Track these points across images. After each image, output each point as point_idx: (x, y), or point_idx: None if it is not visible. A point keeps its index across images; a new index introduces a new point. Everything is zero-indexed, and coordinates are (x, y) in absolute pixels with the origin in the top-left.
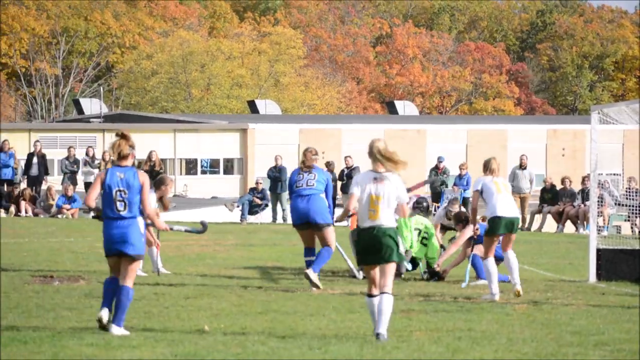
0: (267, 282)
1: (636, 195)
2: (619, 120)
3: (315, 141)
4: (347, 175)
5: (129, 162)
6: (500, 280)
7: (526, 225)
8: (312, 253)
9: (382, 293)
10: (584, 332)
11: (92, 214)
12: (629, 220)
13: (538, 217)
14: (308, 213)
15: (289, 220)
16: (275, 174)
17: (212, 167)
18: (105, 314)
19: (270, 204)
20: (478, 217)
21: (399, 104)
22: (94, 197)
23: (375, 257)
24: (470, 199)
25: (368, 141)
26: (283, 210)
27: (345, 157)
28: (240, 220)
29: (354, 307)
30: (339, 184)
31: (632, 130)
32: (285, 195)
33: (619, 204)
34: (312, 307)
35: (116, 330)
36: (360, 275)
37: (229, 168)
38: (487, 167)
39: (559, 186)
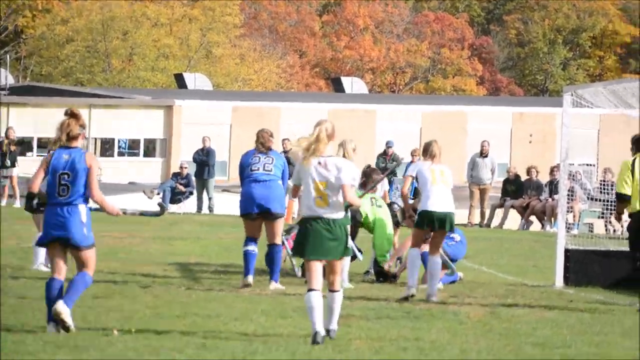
0: (188, 281)
1: (612, 189)
2: (595, 103)
3: (251, 121)
4: (287, 160)
5: (78, 143)
6: (451, 282)
7: (485, 221)
8: (254, 242)
9: (331, 291)
10: (548, 344)
11: (35, 201)
12: (602, 218)
13: (499, 212)
14: (267, 201)
15: (216, 211)
16: (202, 158)
17: (131, 148)
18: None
19: (195, 192)
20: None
21: (346, 81)
22: (39, 182)
23: (321, 251)
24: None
25: (310, 122)
26: (210, 198)
27: (283, 140)
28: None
29: (286, 311)
30: None
31: (609, 115)
32: (213, 182)
33: (592, 199)
34: (238, 310)
35: (62, 306)
36: (299, 272)
37: (150, 150)
38: (426, 152)
39: (524, 177)
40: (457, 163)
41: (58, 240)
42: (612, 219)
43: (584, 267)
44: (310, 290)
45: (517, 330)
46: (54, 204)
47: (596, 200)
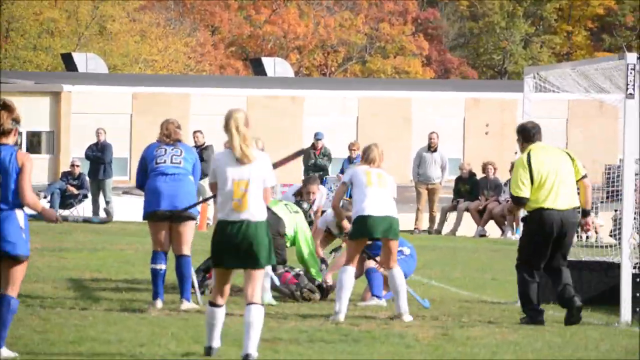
0: (84, 301)
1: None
2: (562, 87)
3: (155, 110)
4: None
5: (10, 139)
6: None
7: (435, 227)
8: (163, 257)
9: (250, 304)
10: None
11: None
12: None
13: (452, 216)
14: (175, 198)
15: (115, 217)
16: (96, 154)
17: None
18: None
19: (90, 195)
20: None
21: (267, 62)
22: None
23: (238, 260)
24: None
25: (223, 110)
26: (107, 202)
27: (194, 132)
28: None
29: (200, 335)
30: None
31: (579, 101)
32: (110, 182)
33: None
34: (144, 334)
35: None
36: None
37: (34, 145)
38: (365, 156)
39: (479, 175)
40: (400, 159)
41: None
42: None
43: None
44: (212, 304)
45: (474, 355)
46: None
47: None
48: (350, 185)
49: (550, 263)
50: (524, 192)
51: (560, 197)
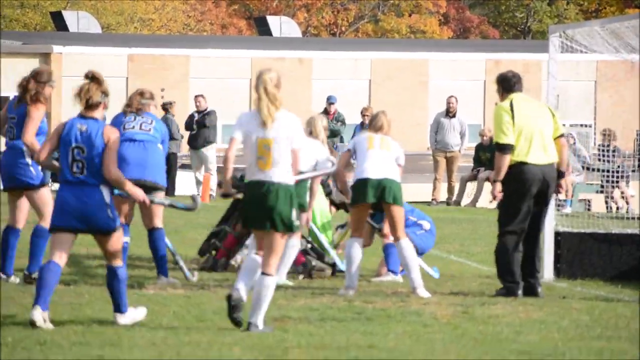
0: (79, 277)
1: (614, 156)
2: (590, 46)
3: (152, 73)
4: (199, 123)
5: (98, 113)
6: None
7: (454, 198)
8: (125, 232)
9: (262, 274)
10: (535, 352)
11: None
12: (602, 192)
13: (471, 186)
14: (144, 167)
15: None
16: None
17: None
18: (38, 315)
19: None
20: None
21: (273, 21)
22: (47, 152)
23: (260, 220)
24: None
25: (228, 74)
26: None
27: (196, 97)
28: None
29: (205, 313)
30: (187, 135)
31: (608, 62)
32: None
33: (588, 169)
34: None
35: (122, 319)
36: (194, 277)
37: None
38: (372, 123)
39: None
40: (416, 125)
41: (77, 230)
42: (615, 193)
43: (579, 255)
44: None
45: (496, 334)
46: (69, 183)
47: (594, 170)
48: (354, 153)
49: (534, 232)
50: (510, 138)
51: (540, 151)
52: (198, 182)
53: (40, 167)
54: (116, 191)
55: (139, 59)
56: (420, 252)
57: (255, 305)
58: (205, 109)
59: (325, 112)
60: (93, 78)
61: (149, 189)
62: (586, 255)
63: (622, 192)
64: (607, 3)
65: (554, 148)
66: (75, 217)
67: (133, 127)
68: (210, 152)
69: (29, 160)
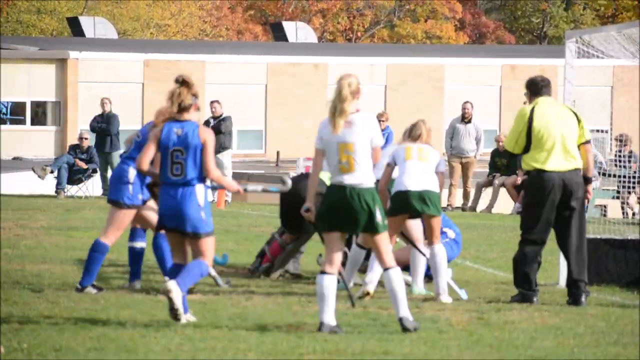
0: (95, 282)
1: (629, 162)
2: (607, 52)
3: (168, 78)
4: (215, 128)
5: (191, 115)
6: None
7: (470, 204)
8: (139, 235)
9: (386, 269)
10: (551, 358)
11: (146, 180)
12: (618, 198)
13: (487, 192)
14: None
15: None
16: (102, 125)
17: (15, 114)
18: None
19: (99, 169)
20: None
21: (289, 27)
22: (148, 159)
23: (343, 225)
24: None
25: (244, 79)
26: None
27: (212, 103)
28: (56, 191)
29: (220, 319)
30: None
31: (625, 67)
32: (117, 156)
33: (604, 174)
34: (158, 319)
35: (173, 286)
36: (223, 283)
37: (39, 116)
38: (410, 133)
39: None
40: (432, 131)
41: (177, 230)
42: (630, 199)
43: (595, 261)
44: (322, 272)
45: (511, 340)
46: (169, 184)
47: (610, 176)
48: (394, 164)
49: (564, 240)
50: (516, 149)
51: (561, 158)
52: (214, 188)
53: (141, 191)
54: (212, 184)
55: (154, 65)
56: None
57: (396, 300)
58: (221, 115)
59: None
60: (183, 82)
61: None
62: (602, 261)
63: (638, 198)
64: (623, 8)
65: (578, 154)
66: (173, 217)
67: None
68: (226, 158)
69: (130, 179)
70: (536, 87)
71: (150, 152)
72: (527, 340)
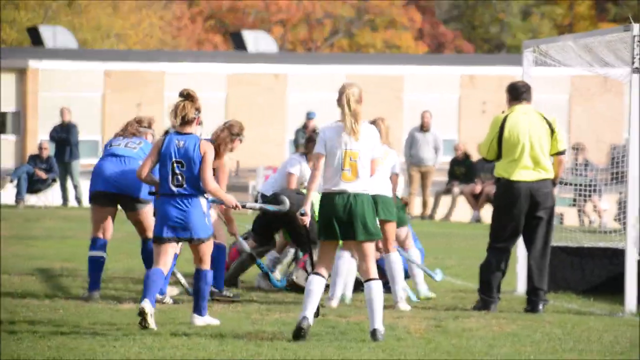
0: (54, 293)
1: (586, 170)
2: (564, 61)
3: (128, 88)
4: None
5: (193, 128)
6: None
7: (428, 212)
8: (100, 245)
9: (367, 281)
10: None
11: (148, 189)
12: (575, 206)
13: (446, 200)
14: (117, 179)
15: (86, 203)
16: (62, 135)
17: None
18: (147, 306)
19: (58, 179)
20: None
21: (249, 37)
22: (148, 169)
23: (347, 230)
24: None
25: (203, 88)
26: (75, 187)
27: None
28: (16, 201)
29: (180, 328)
30: None
31: (582, 77)
32: (77, 165)
33: (561, 183)
34: (118, 327)
35: (198, 320)
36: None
37: None
38: None
39: (475, 156)
40: (391, 140)
41: (177, 239)
42: (587, 207)
43: (552, 268)
44: (315, 274)
45: (469, 348)
46: (169, 195)
47: (567, 184)
48: None
49: (528, 248)
50: (489, 155)
51: (529, 168)
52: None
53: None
54: (211, 198)
55: (115, 75)
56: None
57: (372, 312)
58: None
59: (304, 127)
60: (187, 96)
61: (130, 205)
62: (559, 268)
63: (594, 206)
64: (580, 17)
65: (548, 164)
66: (176, 227)
67: (119, 145)
68: None
69: None
70: (516, 93)
71: (150, 162)
72: (485, 348)
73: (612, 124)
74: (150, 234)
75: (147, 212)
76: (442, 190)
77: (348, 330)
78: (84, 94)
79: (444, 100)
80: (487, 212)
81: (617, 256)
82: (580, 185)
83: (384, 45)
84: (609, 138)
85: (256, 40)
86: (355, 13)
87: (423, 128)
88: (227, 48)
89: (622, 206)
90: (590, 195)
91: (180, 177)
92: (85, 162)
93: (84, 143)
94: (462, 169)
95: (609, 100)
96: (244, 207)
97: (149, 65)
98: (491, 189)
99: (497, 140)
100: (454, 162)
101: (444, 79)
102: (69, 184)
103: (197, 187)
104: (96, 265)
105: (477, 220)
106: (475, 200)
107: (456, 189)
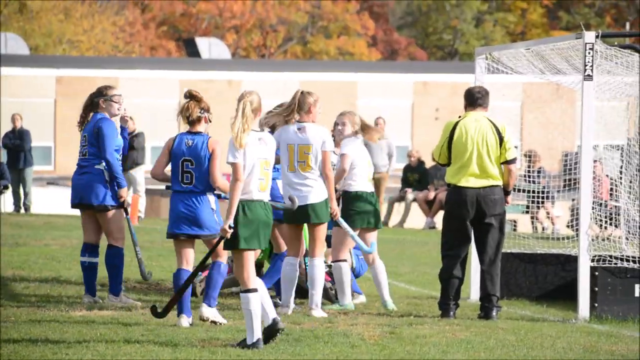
0: (5, 300)
1: (539, 177)
2: (516, 68)
3: (81, 94)
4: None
5: (200, 127)
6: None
7: (382, 219)
8: (93, 251)
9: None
10: None
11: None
12: (528, 212)
13: (399, 207)
14: (80, 189)
15: (40, 209)
16: (15, 142)
17: None
18: (185, 322)
19: (10, 186)
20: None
21: (202, 43)
22: (162, 167)
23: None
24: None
25: (157, 94)
26: (25, 194)
27: (122, 119)
28: None
29: (133, 334)
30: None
31: (534, 84)
32: (30, 172)
33: (514, 189)
34: (70, 335)
35: (207, 311)
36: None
37: None
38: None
39: (428, 163)
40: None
41: (189, 236)
42: (540, 214)
43: (505, 275)
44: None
45: (423, 354)
46: (180, 192)
47: (520, 191)
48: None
49: (480, 255)
50: (440, 159)
51: (475, 175)
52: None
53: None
54: (222, 195)
55: (67, 81)
56: (357, 274)
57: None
58: (134, 131)
59: None
60: (192, 96)
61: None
62: (512, 275)
63: (547, 213)
64: (532, 25)
65: (494, 172)
66: (187, 223)
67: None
68: (139, 174)
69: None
70: (471, 99)
71: (163, 160)
72: (439, 354)
73: (564, 131)
74: (111, 240)
75: (108, 218)
76: (396, 197)
77: (302, 338)
78: (36, 100)
79: (397, 106)
80: (440, 219)
81: (569, 262)
82: (533, 192)
83: (338, 52)
84: (561, 145)
85: (209, 46)
86: (309, 20)
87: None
88: (180, 54)
89: (574, 213)
90: (543, 202)
91: (189, 175)
92: (37, 168)
93: (36, 149)
94: (416, 176)
95: (561, 108)
96: None
97: (102, 72)
98: (444, 195)
99: (447, 145)
100: (407, 169)
101: (397, 85)
102: (22, 190)
103: (206, 184)
104: (84, 270)
105: (431, 227)
106: (429, 207)
107: (410, 196)
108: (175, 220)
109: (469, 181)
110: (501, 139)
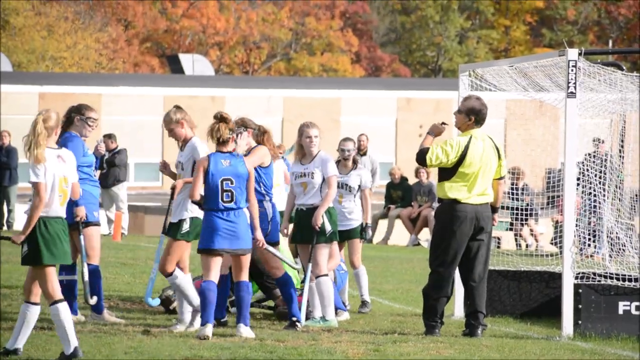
0: None
1: (523, 194)
2: (499, 85)
3: (63, 110)
4: (109, 162)
5: (230, 147)
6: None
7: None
8: (70, 270)
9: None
10: None
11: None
12: (512, 229)
13: (383, 224)
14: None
15: (17, 226)
16: (2, 159)
17: None
18: (209, 331)
19: None
20: None
21: (185, 59)
22: (200, 188)
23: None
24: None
25: (140, 111)
26: (9, 211)
27: (104, 136)
28: None
29: (116, 353)
30: (97, 173)
31: (517, 101)
32: (15, 189)
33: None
34: (53, 353)
35: (245, 330)
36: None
37: None
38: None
39: (412, 180)
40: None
41: (227, 251)
42: (524, 231)
43: (489, 292)
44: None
45: None
46: (219, 210)
47: (504, 208)
48: None
49: (469, 272)
50: (434, 166)
51: (477, 192)
52: (110, 221)
53: None
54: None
55: (50, 97)
56: (338, 287)
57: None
58: (115, 148)
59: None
60: (221, 118)
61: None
62: (496, 292)
63: (531, 230)
64: (516, 42)
65: (491, 188)
66: (226, 240)
67: None
68: (122, 191)
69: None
70: (481, 117)
71: (199, 181)
72: None
73: (547, 148)
74: (89, 259)
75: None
76: (380, 213)
77: (286, 356)
78: (19, 117)
79: (381, 123)
80: (424, 236)
81: (554, 279)
82: (517, 209)
83: (321, 68)
84: (544, 162)
85: (193, 63)
86: (293, 36)
87: (360, 151)
88: (163, 71)
89: (558, 230)
90: (527, 219)
91: (229, 194)
92: (22, 185)
93: (21, 166)
94: (399, 192)
95: (545, 125)
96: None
97: (85, 88)
98: (428, 212)
99: (457, 162)
100: (391, 186)
101: (380, 102)
102: (5, 208)
103: (243, 202)
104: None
105: (415, 244)
106: (413, 224)
107: (393, 212)
108: (214, 236)
109: (472, 198)
110: (499, 157)
